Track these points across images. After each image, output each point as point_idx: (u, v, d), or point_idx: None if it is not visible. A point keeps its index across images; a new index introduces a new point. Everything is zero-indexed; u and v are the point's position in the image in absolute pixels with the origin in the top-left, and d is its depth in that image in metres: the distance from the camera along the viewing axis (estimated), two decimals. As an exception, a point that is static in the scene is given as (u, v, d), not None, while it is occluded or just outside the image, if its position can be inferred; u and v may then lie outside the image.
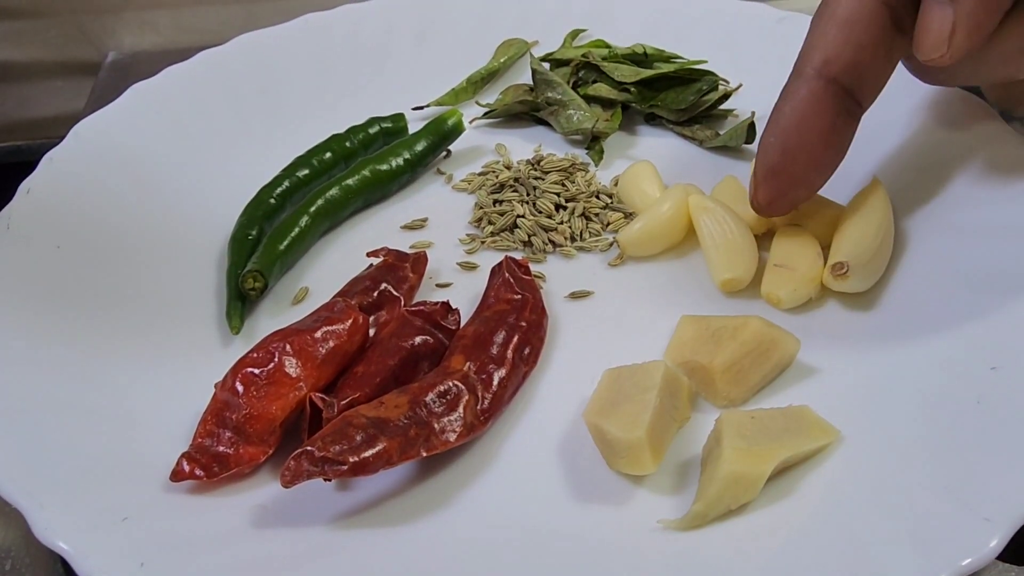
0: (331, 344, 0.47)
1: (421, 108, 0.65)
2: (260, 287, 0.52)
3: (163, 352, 0.50)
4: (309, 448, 0.41)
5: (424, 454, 0.43)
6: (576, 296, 0.53)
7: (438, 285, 0.54)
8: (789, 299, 0.51)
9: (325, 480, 0.42)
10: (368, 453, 0.42)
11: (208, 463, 0.44)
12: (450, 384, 0.45)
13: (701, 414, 0.47)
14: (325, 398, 0.44)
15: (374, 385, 0.46)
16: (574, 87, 0.64)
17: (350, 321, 0.47)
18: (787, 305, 0.51)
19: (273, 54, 0.66)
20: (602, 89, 0.63)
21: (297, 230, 0.55)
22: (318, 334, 0.47)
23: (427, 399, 0.44)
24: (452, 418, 0.44)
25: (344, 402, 0.44)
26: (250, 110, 0.64)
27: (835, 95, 0.46)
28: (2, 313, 0.49)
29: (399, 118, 0.63)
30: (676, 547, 0.41)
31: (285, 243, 0.55)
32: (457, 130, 0.62)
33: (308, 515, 0.43)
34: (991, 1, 0.43)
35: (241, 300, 0.53)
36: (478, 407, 0.45)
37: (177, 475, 0.44)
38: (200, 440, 0.45)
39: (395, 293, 0.51)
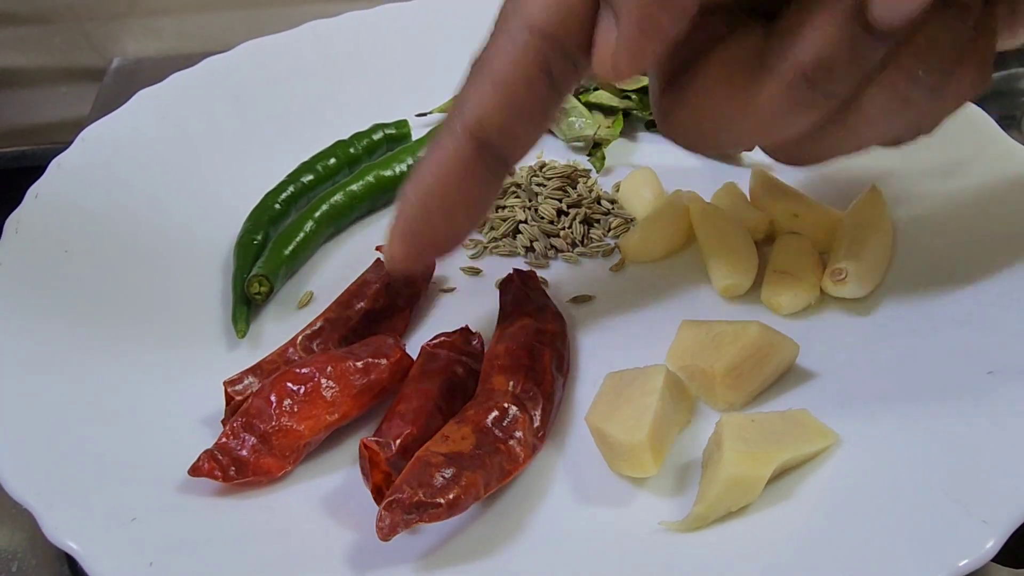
0: (371, 377, 0.47)
1: (425, 115, 0.66)
2: (266, 291, 0.53)
3: (170, 355, 0.51)
4: (398, 496, 0.41)
5: (504, 481, 0.43)
6: (578, 301, 0.54)
7: (442, 290, 0.55)
8: (789, 304, 0.52)
9: (424, 522, 0.41)
10: (457, 490, 0.41)
11: (227, 465, 0.44)
12: (504, 406, 0.45)
13: (702, 417, 0.48)
14: (379, 440, 0.44)
15: (421, 420, 0.45)
16: (575, 94, 0.64)
17: (395, 358, 0.48)
18: (787, 310, 0.52)
19: (279, 61, 0.67)
20: (603, 96, 0.64)
21: (302, 235, 0.56)
22: (360, 364, 0.47)
23: (487, 425, 0.44)
24: (516, 440, 0.44)
25: (398, 440, 0.44)
26: (255, 116, 0.64)
27: (485, 160, 0.42)
28: (11, 316, 0.50)
29: (403, 124, 0.63)
30: (677, 548, 0.42)
31: (290, 248, 0.55)
32: None
33: (315, 516, 0.44)
34: (649, 26, 0.38)
35: (247, 304, 0.53)
36: (533, 425, 0.45)
37: (196, 470, 0.44)
38: (225, 440, 0.45)
39: (402, 303, 0.52)
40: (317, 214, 0.57)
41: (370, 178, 0.59)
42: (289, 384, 0.46)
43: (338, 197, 0.58)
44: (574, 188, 0.60)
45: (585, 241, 0.57)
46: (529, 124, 0.42)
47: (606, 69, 0.39)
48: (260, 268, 0.54)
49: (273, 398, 0.45)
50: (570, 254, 0.57)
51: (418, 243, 0.43)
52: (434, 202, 0.42)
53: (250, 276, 0.53)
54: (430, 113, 0.66)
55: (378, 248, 0.54)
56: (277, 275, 0.54)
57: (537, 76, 0.41)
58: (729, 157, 0.62)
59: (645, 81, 0.64)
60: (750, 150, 0.42)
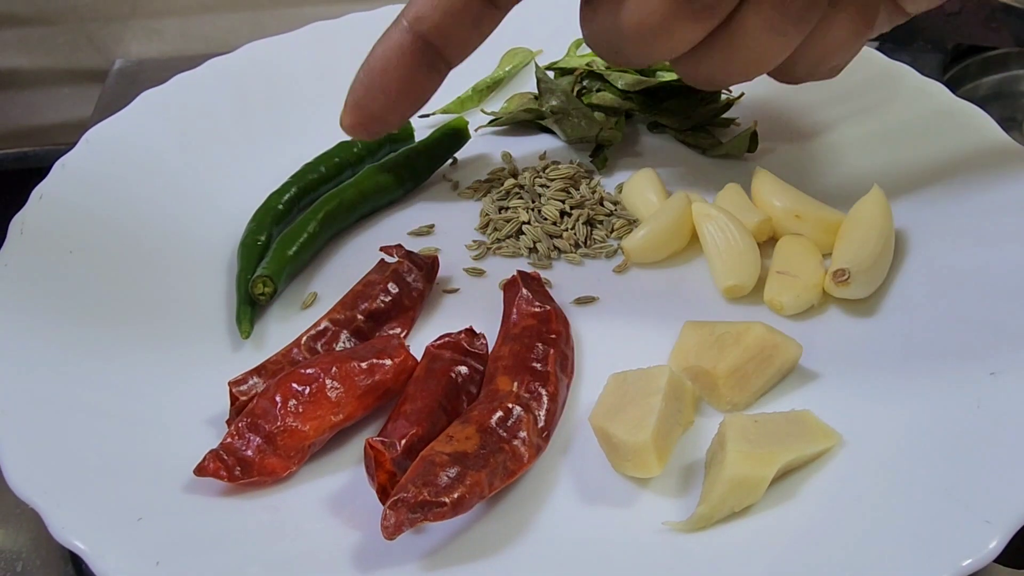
0: (376, 378, 0.47)
1: (427, 116, 0.66)
2: (269, 292, 0.53)
3: (174, 356, 0.51)
4: (403, 495, 0.41)
5: (508, 481, 0.44)
6: (581, 302, 0.54)
7: (445, 291, 0.55)
8: (791, 305, 0.52)
9: (429, 521, 0.41)
10: (462, 489, 0.41)
11: (232, 465, 0.44)
12: (508, 406, 0.45)
13: (705, 418, 0.48)
14: (384, 440, 0.44)
15: (426, 420, 0.45)
16: (578, 95, 0.65)
17: (399, 359, 0.48)
18: (789, 311, 0.52)
19: (281, 62, 0.67)
20: (606, 98, 0.64)
21: (305, 236, 0.56)
22: (365, 364, 0.47)
23: (492, 425, 0.44)
24: (520, 440, 0.44)
25: (404, 440, 0.44)
26: (259, 117, 0.64)
27: (421, 50, 0.49)
28: (16, 316, 0.50)
29: (405, 125, 0.64)
30: (681, 548, 0.42)
31: (294, 249, 0.55)
32: (463, 137, 0.63)
33: (320, 516, 0.44)
34: None
35: (251, 305, 0.53)
36: (538, 425, 0.46)
37: (201, 470, 0.44)
38: (230, 440, 0.45)
39: (407, 303, 0.52)
40: (320, 214, 0.57)
41: (373, 179, 0.59)
42: (294, 385, 0.46)
43: (341, 198, 0.58)
44: (577, 189, 0.60)
45: (588, 242, 0.57)
46: (462, 27, 0.49)
47: None
48: (264, 269, 0.54)
49: (278, 398, 0.46)
50: (573, 255, 0.57)
51: (363, 114, 0.51)
52: (376, 80, 0.50)
53: (254, 277, 0.53)
54: (432, 114, 0.66)
55: (382, 248, 0.54)
56: (281, 276, 0.54)
57: None
58: (730, 156, 0.62)
59: (648, 83, 0.64)
60: (655, 62, 0.48)
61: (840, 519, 0.42)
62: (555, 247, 0.57)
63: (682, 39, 0.47)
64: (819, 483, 0.44)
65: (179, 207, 0.59)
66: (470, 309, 0.54)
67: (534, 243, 0.57)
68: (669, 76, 0.64)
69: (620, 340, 0.52)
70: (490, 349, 0.50)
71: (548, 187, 0.59)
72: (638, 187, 0.59)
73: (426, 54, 0.50)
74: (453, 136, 0.63)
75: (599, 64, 0.65)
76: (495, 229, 0.58)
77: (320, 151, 0.61)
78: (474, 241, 0.58)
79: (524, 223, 0.58)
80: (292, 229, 0.56)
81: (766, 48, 0.47)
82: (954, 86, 0.71)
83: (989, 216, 0.54)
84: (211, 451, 0.45)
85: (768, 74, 0.50)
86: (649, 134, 0.65)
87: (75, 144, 0.60)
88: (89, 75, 0.85)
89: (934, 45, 0.79)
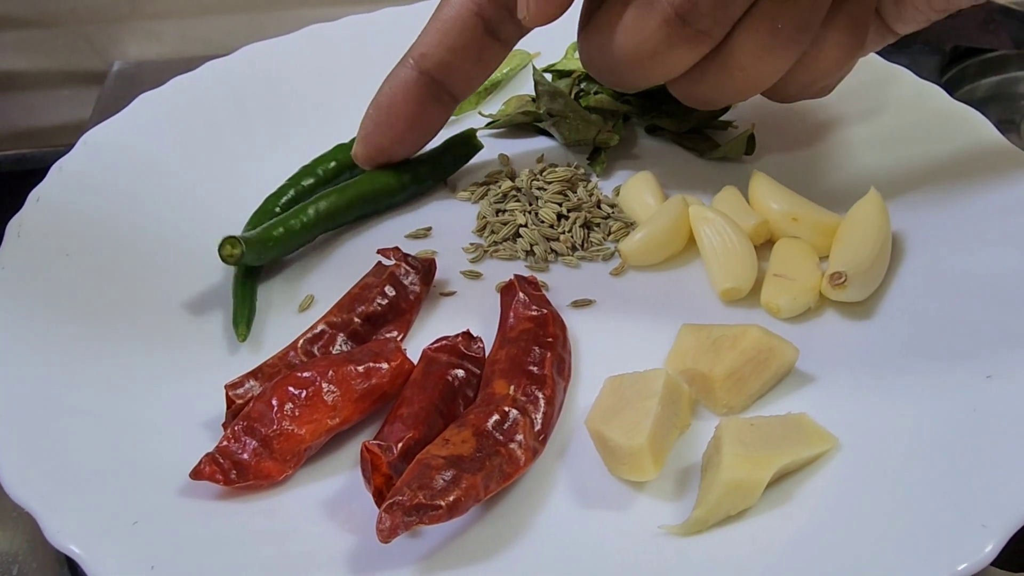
0: (372, 381, 0.47)
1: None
2: (237, 255, 0.52)
3: (170, 359, 0.51)
4: (399, 499, 0.41)
5: (504, 484, 0.44)
6: (578, 305, 0.54)
7: (442, 294, 0.55)
8: (788, 308, 0.52)
9: (424, 524, 0.41)
10: (457, 492, 0.41)
11: (228, 468, 0.44)
12: (504, 410, 0.45)
13: (701, 421, 0.48)
14: (381, 444, 0.43)
15: (422, 424, 0.45)
16: (576, 98, 0.65)
17: (396, 362, 0.47)
18: (786, 314, 0.52)
19: (279, 64, 0.67)
20: (603, 100, 0.64)
21: (295, 221, 0.55)
22: (361, 368, 0.47)
23: (488, 428, 0.44)
24: (517, 443, 0.44)
25: (400, 444, 0.44)
26: (256, 120, 0.64)
27: (426, 85, 0.52)
28: (13, 319, 0.50)
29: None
30: (677, 552, 0.42)
31: (280, 229, 0.55)
32: (473, 148, 0.62)
33: (316, 519, 0.44)
34: None
35: (247, 308, 0.53)
36: (534, 429, 0.46)
37: (197, 473, 0.44)
38: (225, 443, 0.45)
39: (404, 306, 0.52)
40: (315, 208, 0.56)
41: (370, 181, 0.59)
42: (290, 388, 0.46)
43: (339, 196, 0.57)
44: (574, 192, 0.60)
45: (585, 245, 0.57)
46: (466, 62, 0.52)
47: (524, 14, 0.48)
48: (240, 235, 0.53)
49: (274, 402, 0.46)
50: (570, 258, 0.57)
51: (372, 147, 0.55)
52: (383, 115, 0.54)
53: (223, 238, 0.52)
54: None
55: (379, 251, 0.54)
56: (257, 249, 0.53)
57: (472, 20, 0.52)
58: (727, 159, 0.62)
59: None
60: (651, 85, 0.50)
61: (836, 523, 0.42)
62: (552, 250, 0.57)
63: (677, 63, 0.48)
64: (815, 487, 0.44)
65: (177, 210, 0.59)
66: (467, 312, 0.54)
67: (531, 246, 0.57)
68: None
69: (617, 343, 0.52)
70: (487, 352, 0.50)
71: (545, 190, 0.59)
72: (635, 190, 0.59)
73: (431, 89, 0.53)
74: (463, 149, 0.62)
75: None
76: (492, 232, 0.58)
77: (318, 154, 0.61)
78: (471, 244, 0.58)
79: (521, 226, 0.58)
80: (286, 215, 0.56)
81: (760, 70, 0.48)
82: (952, 88, 0.71)
83: (987, 219, 0.54)
84: (207, 454, 0.45)
85: (761, 93, 0.51)
86: (646, 137, 0.65)
87: (73, 146, 0.60)
88: (87, 77, 0.85)
89: (932, 47, 0.79)
